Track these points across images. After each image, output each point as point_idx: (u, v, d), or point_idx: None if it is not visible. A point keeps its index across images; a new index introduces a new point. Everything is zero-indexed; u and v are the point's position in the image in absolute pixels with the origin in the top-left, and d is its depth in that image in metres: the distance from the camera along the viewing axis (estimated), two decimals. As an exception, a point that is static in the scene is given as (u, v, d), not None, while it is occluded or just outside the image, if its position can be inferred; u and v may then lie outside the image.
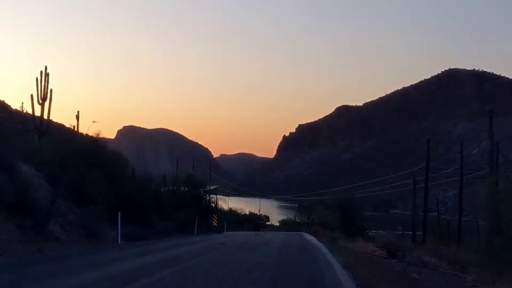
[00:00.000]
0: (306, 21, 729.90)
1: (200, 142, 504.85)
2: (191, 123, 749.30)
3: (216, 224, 39.86)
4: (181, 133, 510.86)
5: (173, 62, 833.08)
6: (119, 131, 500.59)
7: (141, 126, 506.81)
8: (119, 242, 19.90)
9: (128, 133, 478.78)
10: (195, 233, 34.06)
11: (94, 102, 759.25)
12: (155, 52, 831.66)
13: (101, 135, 27.97)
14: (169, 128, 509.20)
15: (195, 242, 24.48)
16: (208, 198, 41.30)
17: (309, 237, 37.28)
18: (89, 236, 18.56)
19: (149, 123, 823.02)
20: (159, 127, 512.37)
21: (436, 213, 42.43)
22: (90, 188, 20.70)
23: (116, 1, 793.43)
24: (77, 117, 29.84)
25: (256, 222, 73.97)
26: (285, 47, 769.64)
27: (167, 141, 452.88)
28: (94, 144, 25.93)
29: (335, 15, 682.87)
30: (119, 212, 19.98)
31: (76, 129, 29.32)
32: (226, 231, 46.14)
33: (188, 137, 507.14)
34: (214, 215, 39.81)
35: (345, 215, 41.80)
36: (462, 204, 30.99)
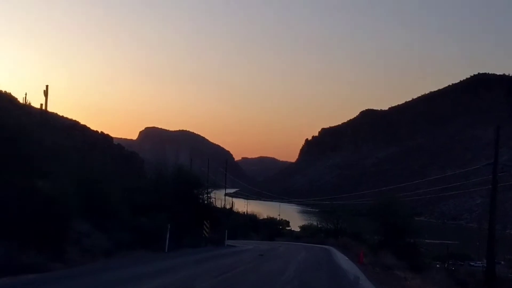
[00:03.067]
0: (331, 25, 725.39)
1: (222, 145, 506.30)
2: (213, 126, 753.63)
3: (207, 235, 28.22)
4: (203, 135, 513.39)
5: (196, 64, 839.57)
6: (141, 132, 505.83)
7: (163, 128, 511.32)
8: None
9: (150, 134, 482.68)
10: (167, 249, 22.04)
11: (117, 103, 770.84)
12: (178, 54, 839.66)
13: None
14: (191, 130, 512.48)
15: None
16: (206, 197, 31.15)
17: (344, 260, 23.92)
18: None
19: (171, 125, 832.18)
20: (181, 129, 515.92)
21: (463, 221, 37.98)
22: None
23: (148, 2, 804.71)
24: (45, 93, 25.30)
25: (274, 227, 71.16)
26: (310, 51, 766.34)
27: (189, 143, 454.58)
28: None
29: (361, 18, 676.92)
30: None
31: (43, 107, 25.21)
32: (236, 239, 39.73)
33: (210, 140, 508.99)
34: (205, 222, 27.87)
35: (387, 225, 32.54)
36: None
